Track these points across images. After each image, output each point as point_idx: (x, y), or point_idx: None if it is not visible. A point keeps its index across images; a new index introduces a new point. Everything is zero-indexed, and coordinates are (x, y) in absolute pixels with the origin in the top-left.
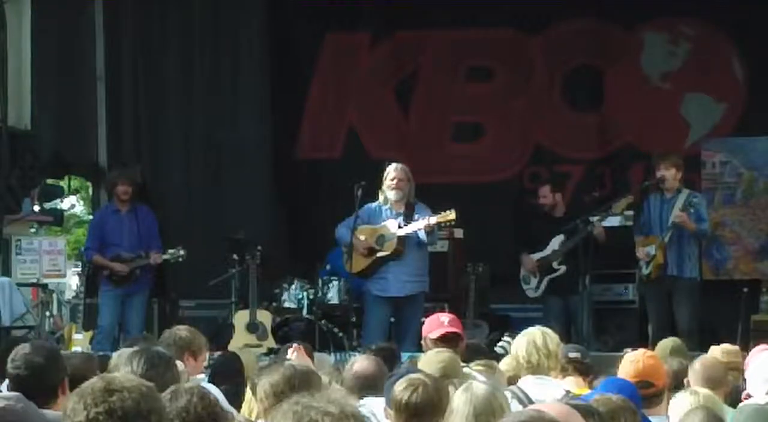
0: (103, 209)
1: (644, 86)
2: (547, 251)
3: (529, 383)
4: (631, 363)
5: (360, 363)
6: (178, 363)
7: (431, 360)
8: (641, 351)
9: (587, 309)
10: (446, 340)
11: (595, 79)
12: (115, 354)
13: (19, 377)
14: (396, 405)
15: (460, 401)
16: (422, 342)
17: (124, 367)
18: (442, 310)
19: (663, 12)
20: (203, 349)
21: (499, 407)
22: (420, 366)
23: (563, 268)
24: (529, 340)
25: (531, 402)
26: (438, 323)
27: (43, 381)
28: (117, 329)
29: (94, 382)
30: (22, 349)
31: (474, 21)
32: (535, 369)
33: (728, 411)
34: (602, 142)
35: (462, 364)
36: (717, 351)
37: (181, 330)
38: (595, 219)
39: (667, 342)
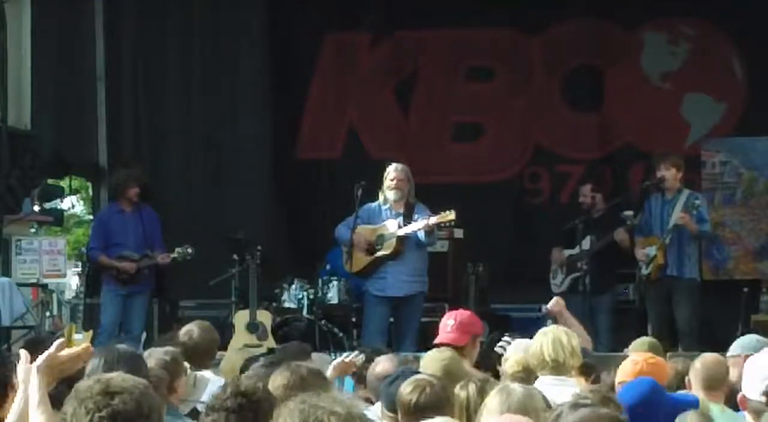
0: (107, 209)
1: (644, 86)
2: (577, 249)
3: (546, 383)
4: (632, 363)
5: (382, 364)
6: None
7: (434, 359)
8: (647, 354)
9: (605, 311)
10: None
11: (595, 79)
12: (145, 354)
13: None
14: (404, 406)
15: (495, 401)
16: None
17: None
18: (443, 311)
19: (663, 12)
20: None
21: (534, 409)
22: (422, 364)
23: (586, 269)
24: (555, 339)
25: (548, 403)
26: (444, 325)
27: None
28: (117, 328)
29: (91, 385)
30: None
31: (474, 21)
32: (561, 367)
33: (725, 412)
34: (602, 142)
35: None
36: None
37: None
38: (628, 213)
39: (643, 341)
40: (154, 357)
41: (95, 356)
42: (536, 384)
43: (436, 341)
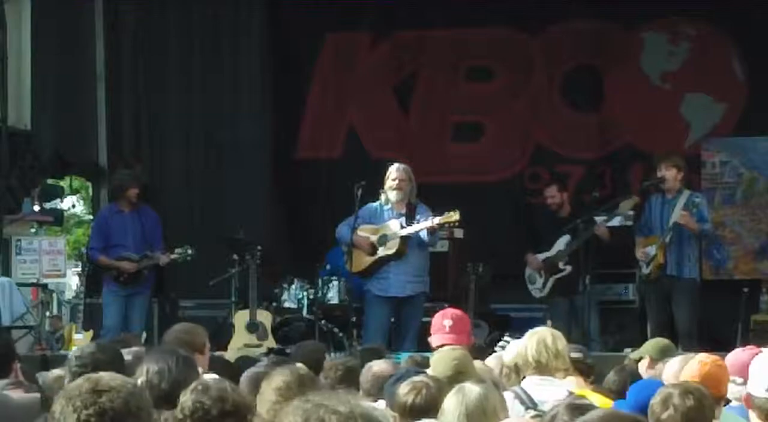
0: (106, 209)
1: (644, 86)
2: (553, 251)
3: (532, 383)
4: (699, 363)
5: (378, 364)
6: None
7: (445, 358)
8: (714, 356)
9: (592, 309)
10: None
11: (595, 79)
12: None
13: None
14: (400, 407)
15: (451, 402)
16: (429, 338)
17: (153, 366)
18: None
19: (663, 12)
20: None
21: (492, 409)
22: (433, 363)
23: (569, 268)
24: (539, 340)
25: (533, 403)
26: (440, 327)
27: None
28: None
29: (80, 384)
30: (88, 348)
31: (473, 21)
32: (543, 369)
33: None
34: (602, 142)
35: None
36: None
37: (178, 332)
38: (600, 219)
39: (657, 342)
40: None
41: (152, 362)
42: (523, 384)
43: (439, 343)
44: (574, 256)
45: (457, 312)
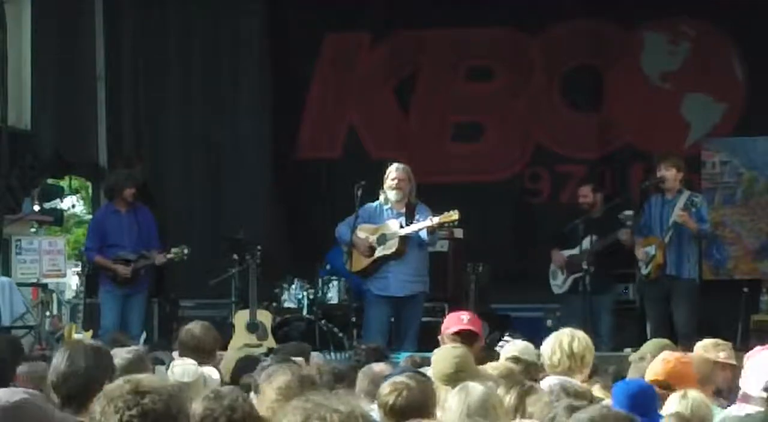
0: (103, 209)
1: (644, 86)
2: (577, 250)
3: (550, 384)
4: (663, 361)
5: (378, 365)
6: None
7: (446, 355)
8: (679, 354)
9: (607, 310)
10: (462, 337)
11: (595, 79)
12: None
13: None
14: (382, 408)
15: (454, 400)
16: (439, 337)
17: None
18: (443, 311)
19: (663, 12)
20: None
21: (493, 408)
22: (434, 360)
23: (591, 269)
24: (555, 340)
25: None
26: (457, 320)
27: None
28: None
29: (121, 385)
30: None
31: (474, 21)
32: (556, 369)
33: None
34: (602, 142)
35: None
36: (704, 346)
37: (193, 331)
38: (625, 217)
39: (657, 342)
40: (118, 356)
41: (62, 351)
42: (541, 384)
43: (456, 329)
44: (597, 257)
45: (471, 313)
